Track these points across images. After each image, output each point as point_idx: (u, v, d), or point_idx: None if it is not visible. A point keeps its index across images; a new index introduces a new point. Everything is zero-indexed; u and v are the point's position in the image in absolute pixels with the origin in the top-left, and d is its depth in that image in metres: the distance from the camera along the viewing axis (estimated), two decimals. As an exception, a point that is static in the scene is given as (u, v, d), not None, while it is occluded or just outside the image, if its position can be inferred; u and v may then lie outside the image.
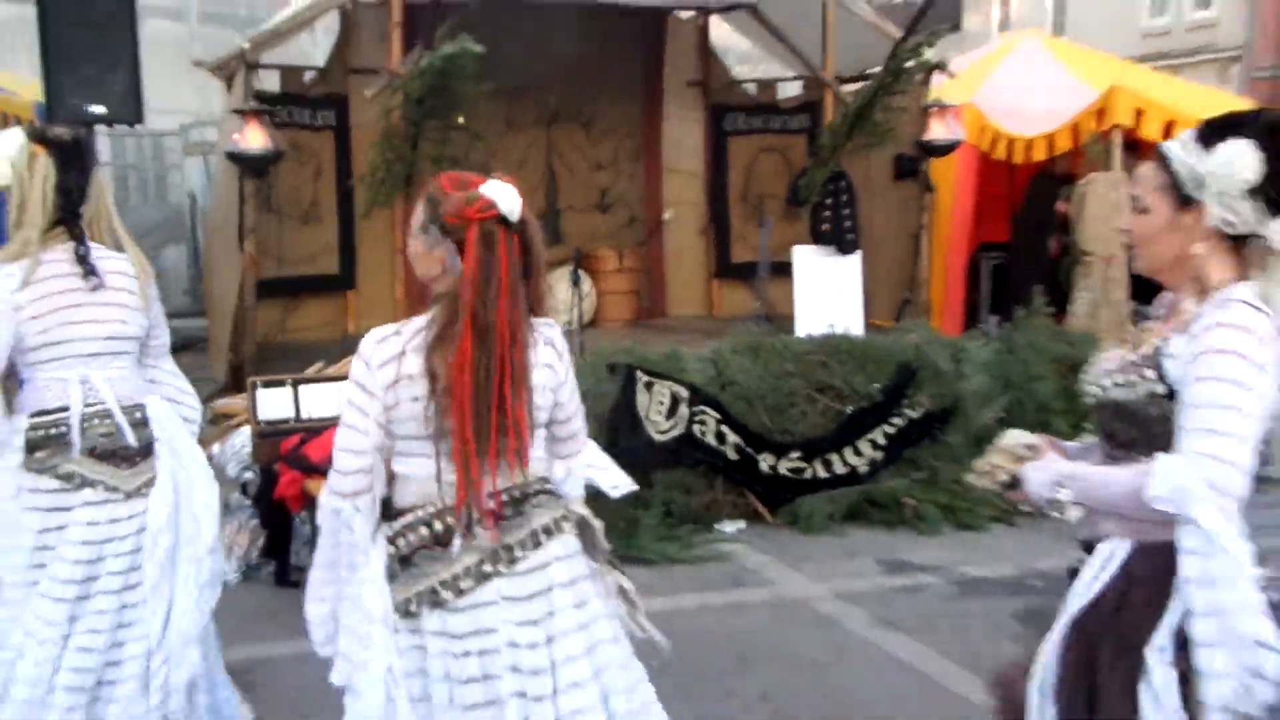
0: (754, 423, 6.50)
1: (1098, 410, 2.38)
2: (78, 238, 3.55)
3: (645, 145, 10.72)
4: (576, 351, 7.29)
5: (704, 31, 10.86)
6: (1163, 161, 2.27)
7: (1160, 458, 2.13)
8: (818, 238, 8.88)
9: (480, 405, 2.52)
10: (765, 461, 6.52)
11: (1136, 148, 9.35)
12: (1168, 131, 9.98)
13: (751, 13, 9.93)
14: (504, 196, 2.55)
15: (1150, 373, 2.23)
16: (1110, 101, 9.74)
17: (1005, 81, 11.27)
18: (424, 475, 2.59)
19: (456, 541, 2.56)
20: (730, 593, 5.60)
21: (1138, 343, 2.34)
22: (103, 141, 10.09)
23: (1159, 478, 2.09)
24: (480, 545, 2.56)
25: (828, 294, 8.42)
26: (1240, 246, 2.23)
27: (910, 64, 8.77)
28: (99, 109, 7.02)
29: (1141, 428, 2.25)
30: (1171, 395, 2.20)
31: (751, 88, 11.15)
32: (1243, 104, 13.76)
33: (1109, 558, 2.29)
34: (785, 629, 5.16)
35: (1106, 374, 2.34)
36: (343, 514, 2.59)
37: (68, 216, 3.57)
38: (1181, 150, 2.25)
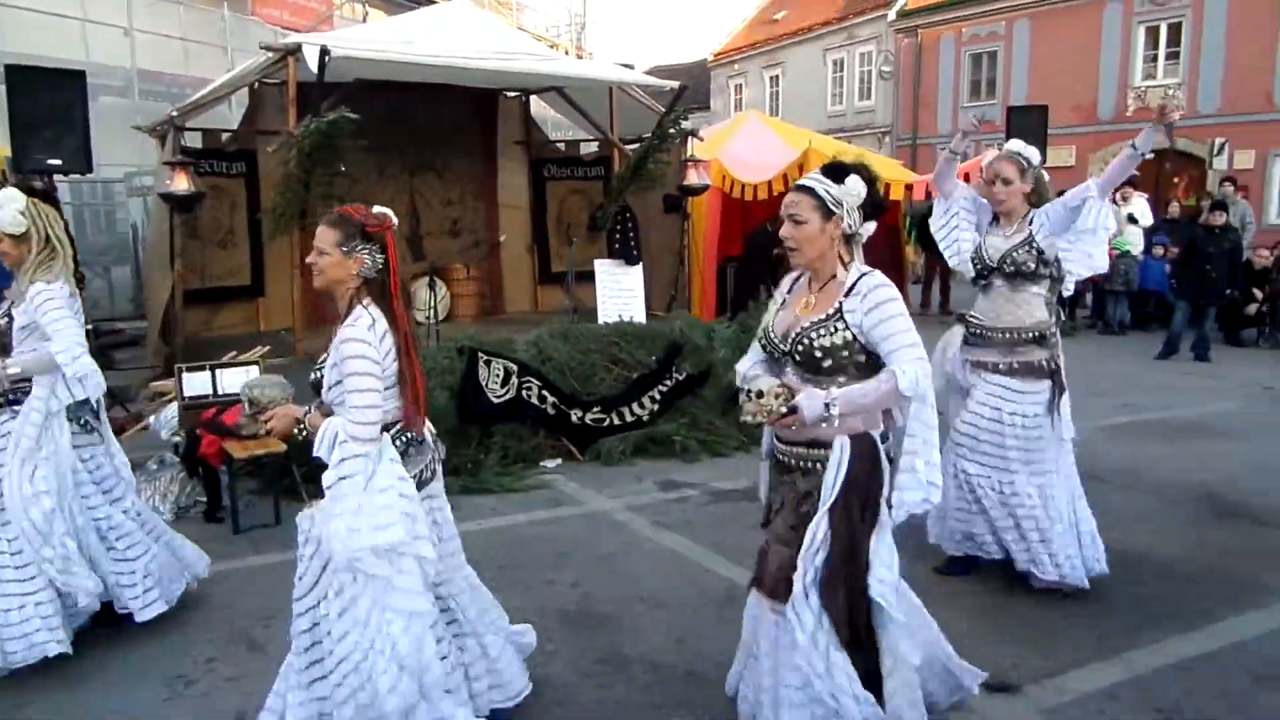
0: (566, 387, 6.40)
1: (799, 349, 2.56)
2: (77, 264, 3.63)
3: (484, 187, 10.50)
4: (434, 340, 7.10)
5: (526, 106, 10.71)
6: (808, 191, 2.57)
7: (900, 367, 2.43)
8: (612, 253, 8.93)
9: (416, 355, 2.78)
10: (575, 415, 6.43)
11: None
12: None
13: (560, 93, 9.87)
14: (391, 214, 2.77)
15: (840, 324, 2.50)
16: (807, 159, 10.12)
17: (738, 144, 11.57)
18: (392, 408, 2.71)
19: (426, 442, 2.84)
20: (552, 511, 5.47)
21: (808, 306, 2.59)
22: (64, 186, 9.40)
23: (908, 378, 2.41)
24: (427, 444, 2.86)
25: (619, 293, 8.46)
26: (849, 241, 2.61)
27: (672, 131, 8.95)
28: (55, 161, 6.82)
29: (837, 357, 2.51)
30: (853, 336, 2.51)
31: (562, 146, 11.08)
32: (890, 160, 14.37)
33: (839, 454, 2.50)
34: (591, 534, 5.07)
35: (808, 327, 2.55)
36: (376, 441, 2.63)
37: (73, 249, 3.61)
38: (821, 184, 2.55)
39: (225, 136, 9.01)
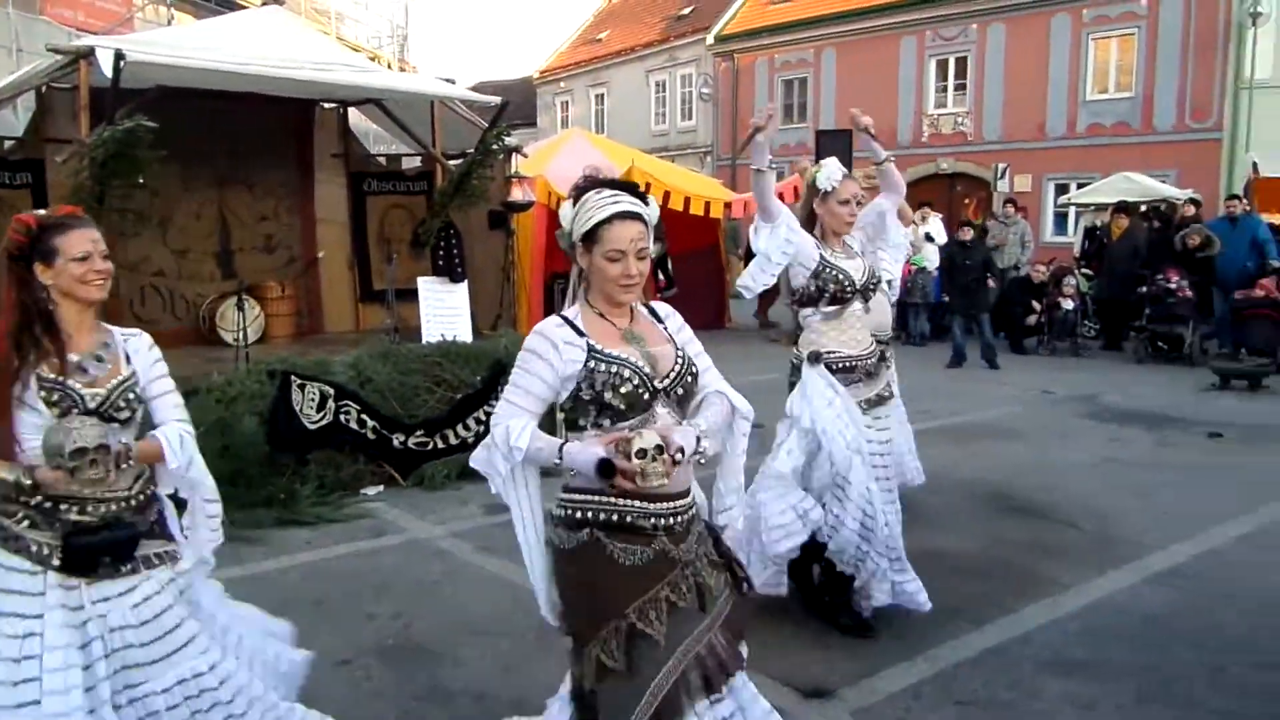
0: (388, 410, 6.15)
1: (685, 384, 2.29)
2: None
3: (301, 202, 9.92)
4: (244, 363, 6.68)
5: (344, 118, 10.26)
6: (645, 222, 2.26)
7: (721, 387, 2.35)
8: (436, 270, 8.68)
9: None
10: (397, 439, 6.18)
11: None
12: (667, 199, 10.72)
13: (379, 106, 9.53)
14: None
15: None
16: (629, 176, 10.17)
17: (562, 161, 11.54)
18: None
19: None
20: (373, 541, 5.23)
21: (642, 338, 2.28)
22: None
23: (739, 397, 2.35)
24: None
25: (444, 311, 8.22)
26: None
27: (495, 146, 8.77)
28: None
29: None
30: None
31: (383, 160, 10.67)
32: (711, 180, 14.82)
33: (700, 496, 2.38)
34: (414, 563, 4.87)
35: (686, 359, 2.31)
36: None
37: None
38: (646, 211, 2.26)
39: (9, 144, 8.18)
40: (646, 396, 2.17)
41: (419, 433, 6.26)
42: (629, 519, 2.16)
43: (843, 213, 3.93)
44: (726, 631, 2.24)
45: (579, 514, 2.19)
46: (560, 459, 2.13)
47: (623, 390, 2.16)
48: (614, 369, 2.17)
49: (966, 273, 10.95)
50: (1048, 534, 5.25)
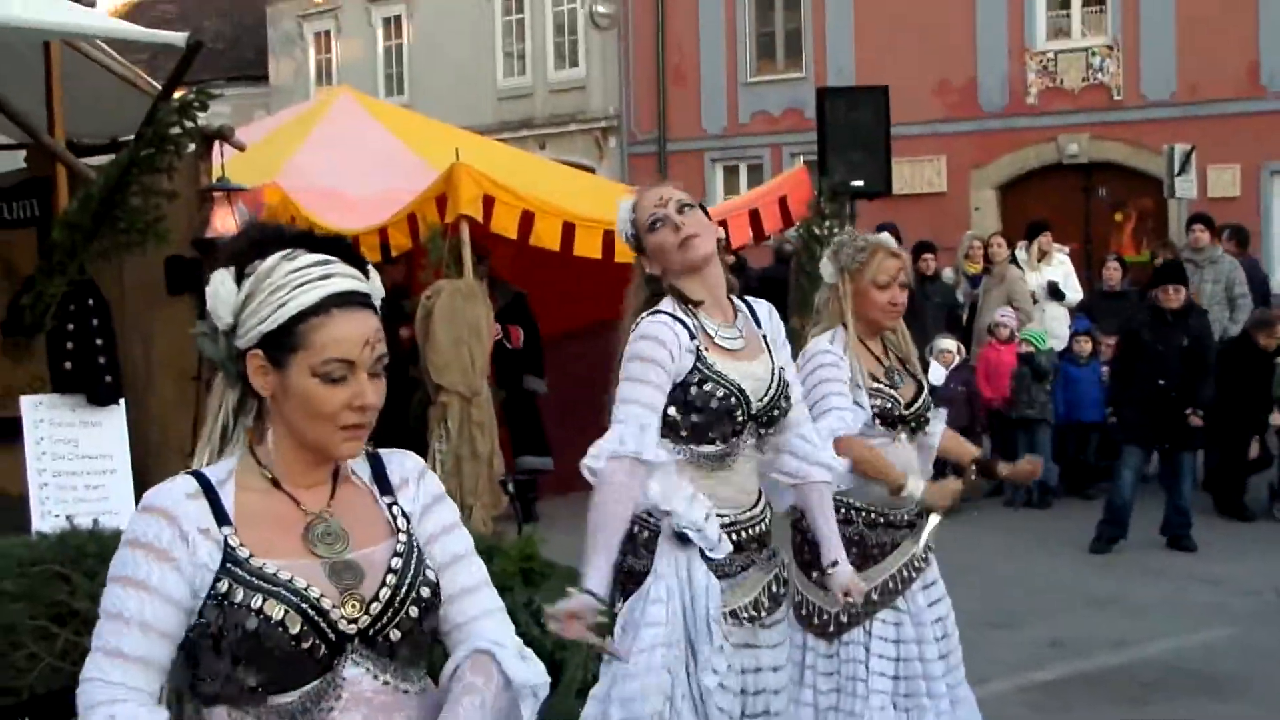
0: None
1: (400, 626, 2.13)
2: None
3: None
4: None
5: None
6: (374, 308, 2.28)
7: (499, 639, 2.22)
8: (58, 381, 7.82)
9: None
10: (-28, 749, 5.59)
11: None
12: (528, 225, 9.14)
13: (-61, 54, 8.52)
14: None
15: (412, 544, 2.17)
16: (453, 183, 8.77)
17: (320, 154, 10.36)
18: None
19: None
20: None
21: (339, 534, 2.08)
22: None
23: (514, 667, 2.35)
24: None
25: (77, 464, 7.70)
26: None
27: (177, 130, 7.55)
28: None
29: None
30: None
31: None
32: (620, 187, 12.36)
33: None
34: None
35: (401, 579, 2.14)
36: None
37: None
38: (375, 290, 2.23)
39: None
40: (322, 652, 1.96)
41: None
42: None
43: (682, 259, 3.55)
44: None
45: None
46: None
47: (274, 653, 1.94)
48: (254, 615, 1.94)
49: (1162, 368, 8.89)
50: None
